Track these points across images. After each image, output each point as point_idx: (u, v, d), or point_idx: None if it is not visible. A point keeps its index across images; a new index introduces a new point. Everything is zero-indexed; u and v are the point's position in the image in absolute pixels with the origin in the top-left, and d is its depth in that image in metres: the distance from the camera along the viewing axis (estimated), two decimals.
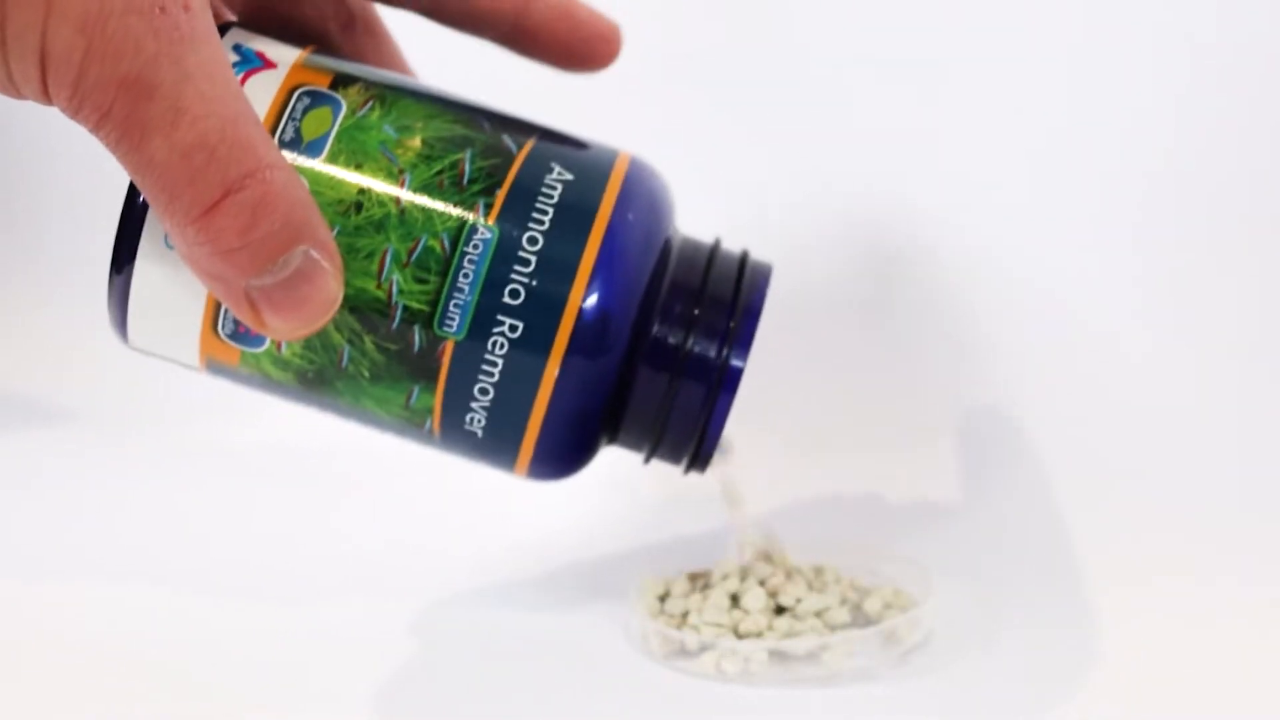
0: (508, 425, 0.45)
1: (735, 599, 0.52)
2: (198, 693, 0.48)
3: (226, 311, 0.44)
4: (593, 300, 0.44)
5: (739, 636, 0.51)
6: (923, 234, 0.69)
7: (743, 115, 0.71)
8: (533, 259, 0.44)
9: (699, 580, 0.54)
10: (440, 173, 0.44)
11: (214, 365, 0.46)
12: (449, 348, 0.44)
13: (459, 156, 0.44)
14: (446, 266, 0.43)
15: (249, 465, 0.66)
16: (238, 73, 0.44)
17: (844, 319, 0.69)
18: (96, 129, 0.40)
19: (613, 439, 0.48)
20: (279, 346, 0.45)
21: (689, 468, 0.48)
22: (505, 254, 0.44)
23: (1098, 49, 0.68)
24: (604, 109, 0.62)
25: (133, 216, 0.43)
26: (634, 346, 0.45)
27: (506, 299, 0.44)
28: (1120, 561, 0.58)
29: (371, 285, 0.44)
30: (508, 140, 0.45)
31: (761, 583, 0.53)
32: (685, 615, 0.52)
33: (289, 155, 0.44)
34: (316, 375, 0.45)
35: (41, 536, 0.60)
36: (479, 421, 0.45)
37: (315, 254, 0.41)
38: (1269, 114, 0.67)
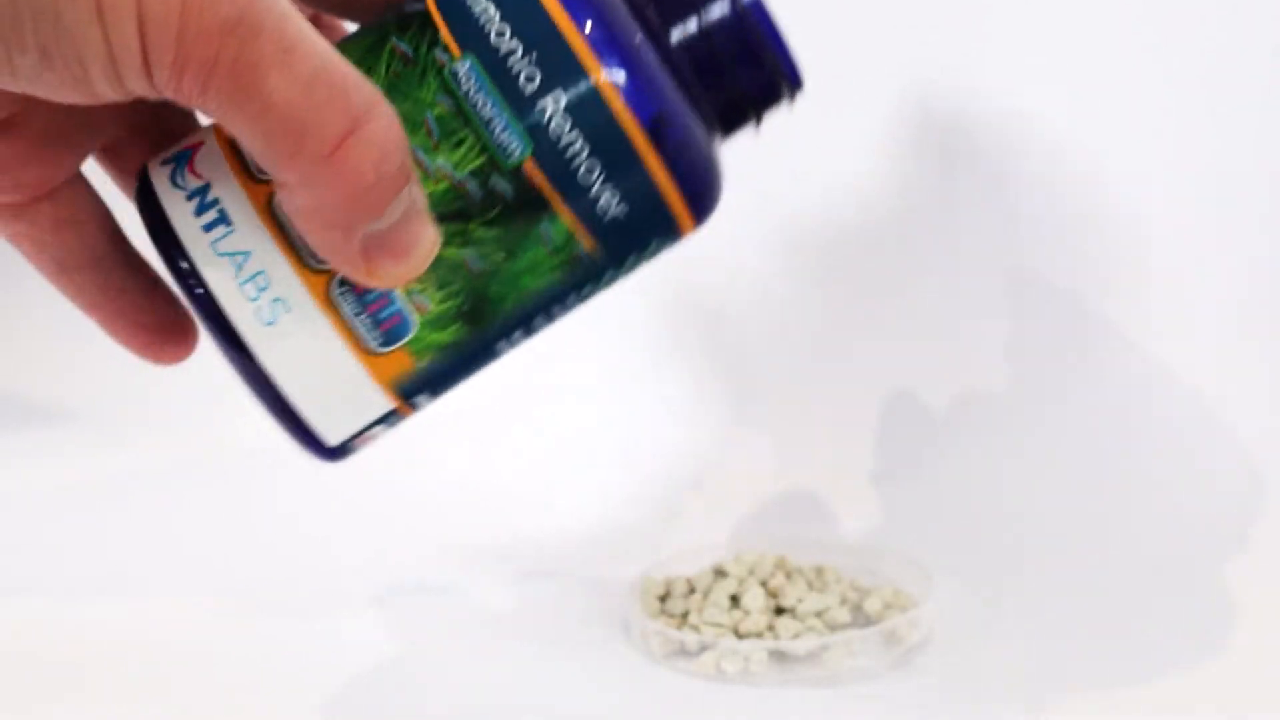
0: (632, 181, 0.45)
1: (735, 599, 0.52)
2: (200, 691, 0.48)
3: (361, 324, 0.44)
4: (591, 30, 0.44)
5: (739, 636, 0.51)
6: (922, 238, 0.69)
7: None
8: (517, 45, 0.44)
9: (699, 580, 0.54)
10: (388, 66, 0.45)
11: (401, 385, 0.46)
12: (531, 168, 0.44)
13: (389, 44, 0.45)
14: (465, 117, 0.44)
15: (248, 466, 0.66)
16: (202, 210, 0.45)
17: (844, 318, 0.69)
18: (205, 86, 0.38)
19: (720, 122, 0.47)
20: (422, 309, 0.45)
21: (789, 87, 0.47)
22: (494, 63, 0.44)
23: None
24: None
25: (220, 325, 0.44)
26: (660, 30, 0.45)
27: (529, 90, 0.44)
28: (1120, 561, 0.58)
29: (431, 185, 0.44)
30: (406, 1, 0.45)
31: (762, 583, 0.53)
32: (685, 615, 0.52)
33: None
34: (471, 303, 0.45)
35: (40, 537, 0.60)
36: (613, 202, 0.45)
37: (417, 191, 0.41)
38: None
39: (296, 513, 0.62)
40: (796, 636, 0.51)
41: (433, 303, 0.45)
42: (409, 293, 0.44)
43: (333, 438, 0.46)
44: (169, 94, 0.39)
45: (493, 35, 0.44)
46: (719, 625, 0.51)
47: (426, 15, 0.45)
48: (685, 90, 0.45)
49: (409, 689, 0.49)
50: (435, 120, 0.44)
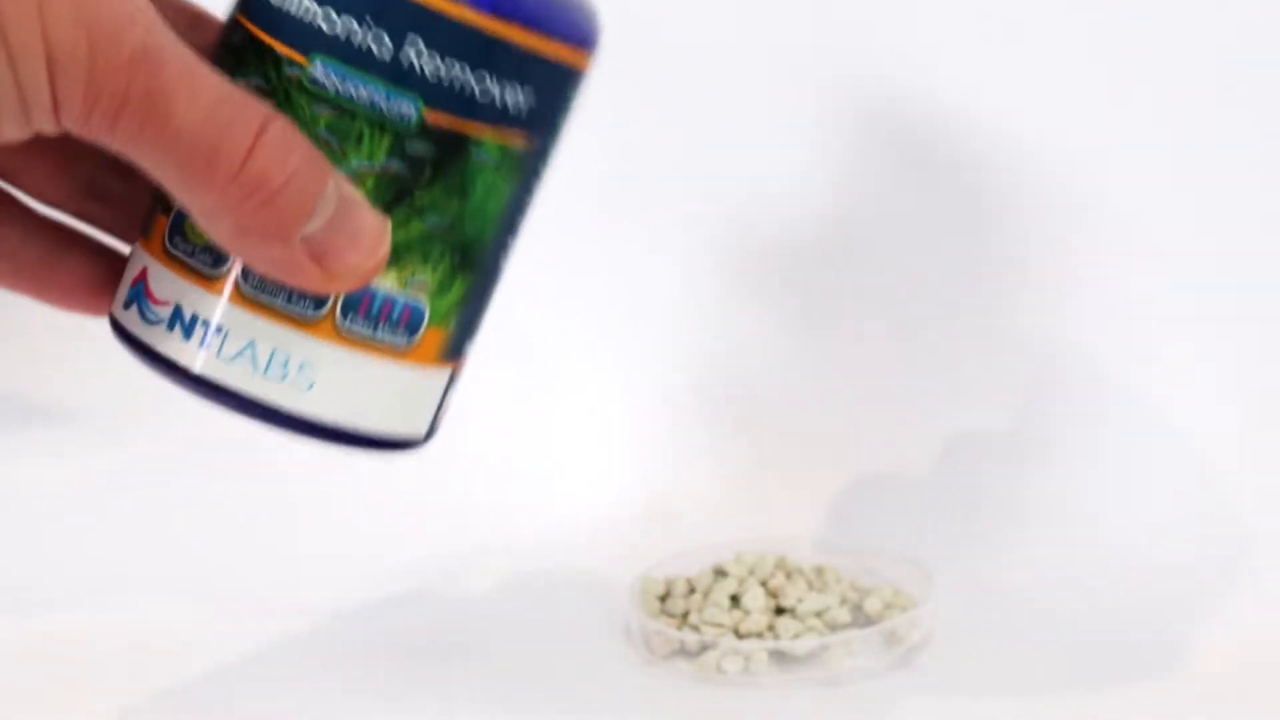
0: (515, 64, 0.45)
1: (735, 599, 0.52)
2: (199, 691, 0.48)
3: (382, 335, 0.45)
4: None
5: (739, 636, 0.51)
6: (921, 244, 0.69)
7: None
8: (350, 21, 0.44)
9: (699, 580, 0.54)
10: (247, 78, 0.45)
11: (445, 352, 0.47)
12: (432, 115, 0.44)
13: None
14: (348, 111, 0.44)
15: (249, 466, 0.66)
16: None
17: (846, 320, 0.69)
18: (115, 121, 0.39)
19: None
20: (423, 287, 0.45)
21: None
22: (341, 49, 0.44)
23: None
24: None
25: (269, 414, 0.45)
26: None
27: (385, 53, 0.44)
28: (1120, 562, 0.58)
29: (362, 186, 0.44)
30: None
31: (762, 583, 0.53)
32: (685, 615, 0.52)
33: None
34: (459, 255, 0.46)
35: (40, 536, 0.60)
36: (515, 93, 0.45)
37: (344, 185, 0.42)
38: None
39: (297, 512, 0.62)
40: (797, 636, 0.51)
41: (428, 276, 0.45)
42: (403, 282, 0.45)
43: (420, 431, 0.47)
44: (76, 131, 0.39)
45: (324, 25, 0.44)
46: (719, 625, 0.51)
47: (254, 40, 0.45)
48: None
49: (408, 688, 0.49)
50: (326, 131, 0.44)
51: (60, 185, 0.48)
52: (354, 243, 0.42)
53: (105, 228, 0.49)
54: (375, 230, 0.42)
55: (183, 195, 0.41)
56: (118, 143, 0.39)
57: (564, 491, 0.65)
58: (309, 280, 0.42)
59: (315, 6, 0.44)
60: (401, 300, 0.46)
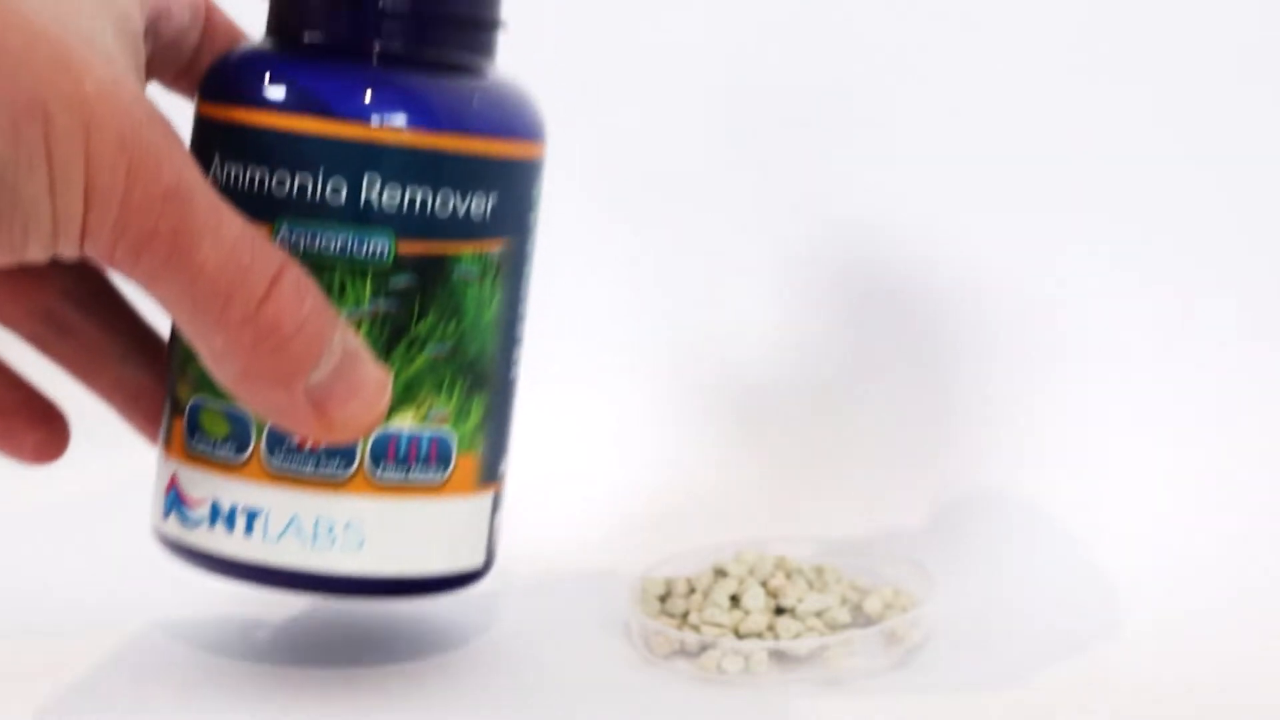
0: (475, 175, 0.45)
1: (735, 599, 0.52)
2: (200, 690, 0.48)
3: (417, 476, 0.45)
4: (330, 108, 0.44)
5: (739, 636, 0.51)
6: (919, 245, 0.69)
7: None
8: (302, 177, 0.44)
9: (699, 580, 0.54)
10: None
11: (482, 475, 0.47)
12: (406, 246, 0.44)
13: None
14: (325, 265, 0.44)
15: None
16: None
17: (846, 319, 0.69)
18: (139, 254, 0.38)
19: (466, 57, 0.47)
20: (443, 418, 0.46)
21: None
22: (300, 207, 0.44)
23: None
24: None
25: (330, 585, 0.46)
26: (367, 42, 0.45)
27: (342, 199, 0.44)
28: (1120, 561, 0.58)
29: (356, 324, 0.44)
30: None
31: (762, 583, 0.53)
32: (685, 615, 0.52)
33: None
34: (470, 376, 0.46)
35: (40, 536, 0.60)
36: (481, 202, 0.45)
37: (350, 336, 0.42)
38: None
39: None
40: (797, 636, 0.51)
41: (445, 405, 0.46)
42: (423, 417, 0.45)
43: (479, 560, 0.48)
44: (97, 258, 0.39)
45: (279, 192, 0.44)
46: (719, 625, 0.51)
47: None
48: (415, 67, 0.45)
49: (408, 688, 0.49)
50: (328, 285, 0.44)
51: (19, 307, 0.47)
52: (355, 394, 0.41)
53: (55, 355, 0.49)
54: (377, 383, 0.42)
55: (194, 334, 0.40)
56: (138, 275, 0.39)
57: (564, 490, 0.65)
58: (305, 426, 0.41)
59: (267, 175, 0.44)
60: (426, 436, 0.46)
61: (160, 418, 0.48)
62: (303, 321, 0.40)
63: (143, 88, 0.42)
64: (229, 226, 0.39)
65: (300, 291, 0.40)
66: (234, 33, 0.48)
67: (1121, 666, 0.51)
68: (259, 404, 0.42)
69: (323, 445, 0.44)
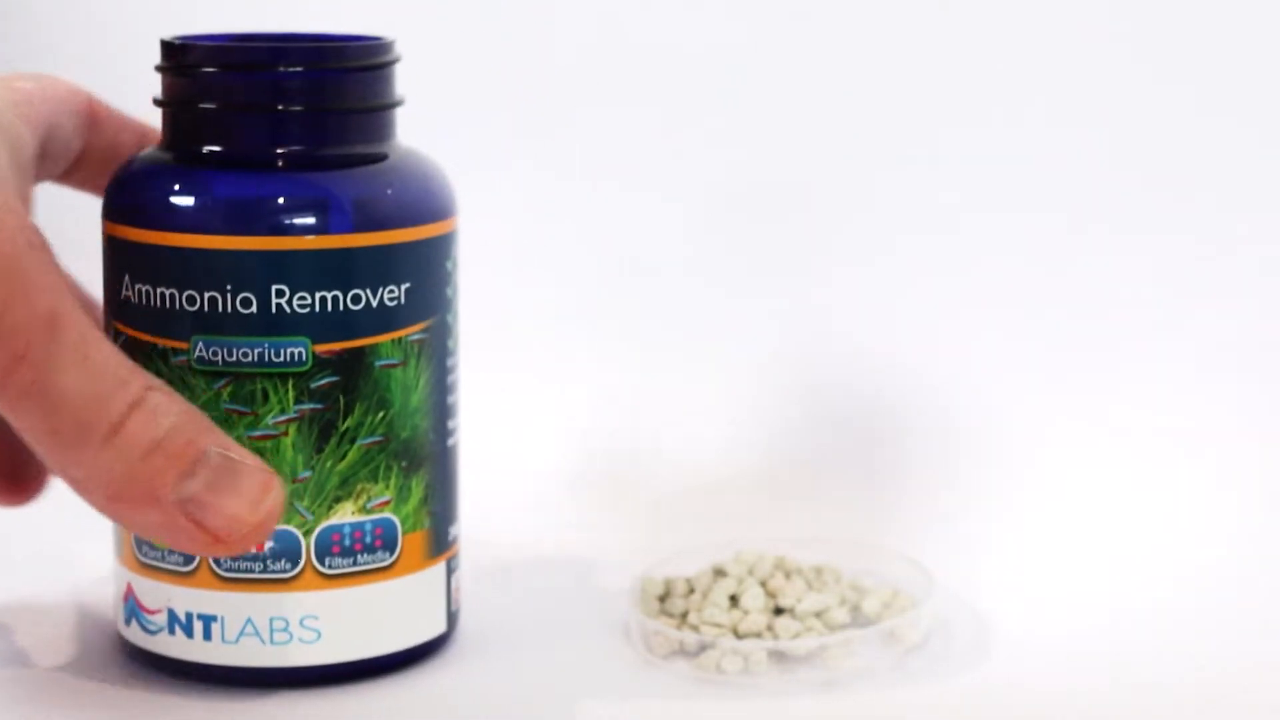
0: (378, 263, 0.45)
1: (735, 599, 0.52)
2: (198, 689, 0.48)
3: (366, 561, 0.46)
4: (222, 222, 0.44)
5: (739, 636, 0.51)
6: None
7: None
8: (210, 293, 0.44)
9: (699, 580, 0.54)
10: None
11: (433, 547, 0.48)
12: (321, 346, 0.45)
13: None
14: (243, 374, 0.44)
15: None
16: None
17: (847, 320, 0.69)
18: (4, 381, 0.38)
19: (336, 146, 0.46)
20: (384, 502, 0.46)
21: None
22: (212, 321, 0.44)
23: None
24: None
25: (293, 677, 0.46)
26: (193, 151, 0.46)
27: (252, 308, 0.44)
28: (1120, 561, 0.58)
29: (286, 441, 0.45)
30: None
31: (762, 583, 0.53)
32: (684, 615, 0.52)
33: None
34: (404, 458, 0.46)
35: (39, 535, 0.60)
36: (394, 290, 0.45)
37: (230, 451, 0.41)
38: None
39: None
40: (796, 636, 0.51)
41: (384, 492, 0.46)
42: (362, 509, 0.46)
43: (440, 627, 0.49)
44: None
45: (188, 305, 0.44)
46: (718, 625, 0.51)
47: (135, 340, 0.45)
48: (319, 166, 0.45)
49: (407, 687, 0.49)
50: (231, 401, 0.44)
51: None
52: (232, 497, 0.41)
53: None
54: (260, 485, 0.41)
55: (55, 464, 0.40)
56: (2, 403, 0.39)
57: (563, 490, 0.65)
58: (191, 542, 0.41)
59: (178, 293, 0.44)
60: (369, 524, 0.46)
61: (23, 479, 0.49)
62: (161, 438, 0.40)
63: (29, 212, 0.43)
64: (97, 354, 0.39)
65: (160, 410, 0.40)
66: (119, 122, 0.49)
67: (1121, 666, 0.51)
68: (135, 525, 0.42)
69: (230, 554, 0.43)
